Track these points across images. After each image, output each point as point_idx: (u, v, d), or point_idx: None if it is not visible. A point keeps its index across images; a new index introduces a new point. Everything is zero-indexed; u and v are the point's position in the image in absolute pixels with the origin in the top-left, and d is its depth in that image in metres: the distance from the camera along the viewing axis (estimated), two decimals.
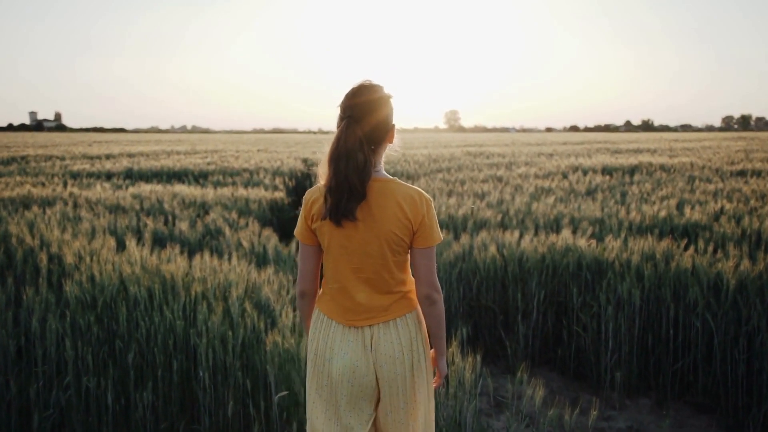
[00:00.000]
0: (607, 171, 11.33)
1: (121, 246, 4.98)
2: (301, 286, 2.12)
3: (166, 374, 3.36)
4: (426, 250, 2.00)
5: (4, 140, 39.79)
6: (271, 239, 5.63)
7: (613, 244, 4.93)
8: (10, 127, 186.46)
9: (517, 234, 5.33)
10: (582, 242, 5.00)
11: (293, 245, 5.43)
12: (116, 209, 6.86)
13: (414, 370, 2.04)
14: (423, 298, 2.05)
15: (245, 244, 5.49)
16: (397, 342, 2.01)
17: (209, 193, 8.08)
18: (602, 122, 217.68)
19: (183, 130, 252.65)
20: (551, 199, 7.54)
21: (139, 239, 5.19)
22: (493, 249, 5.12)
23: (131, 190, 8.28)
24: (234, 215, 6.67)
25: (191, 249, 5.64)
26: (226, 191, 8.31)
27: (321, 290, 2.12)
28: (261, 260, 5.33)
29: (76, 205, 7.05)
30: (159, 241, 5.77)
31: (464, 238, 5.39)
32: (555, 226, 6.37)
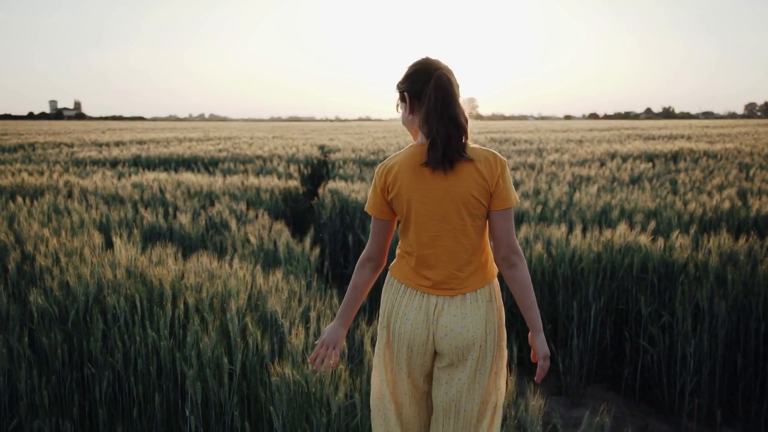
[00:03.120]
0: (647, 158, 10.48)
1: (109, 243, 4.32)
2: (369, 253, 2.07)
3: (147, 409, 2.68)
4: (504, 211, 1.94)
5: (20, 128, 39.48)
6: (282, 234, 4.93)
7: (681, 242, 4.18)
8: (30, 116, 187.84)
9: (564, 229, 4.57)
10: (644, 239, 4.24)
11: (307, 242, 4.73)
12: (113, 200, 6.20)
13: (475, 348, 1.94)
14: (501, 260, 1.97)
15: (253, 239, 4.79)
16: (461, 317, 1.94)
17: (217, 182, 7.39)
18: (622, 109, 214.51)
19: (201, 118, 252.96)
20: (594, 189, 6.76)
21: (131, 234, 4.51)
22: (538, 247, 4.38)
23: (133, 178, 7.62)
24: (242, 206, 5.98)
25: (192, 246, 4.96)
26: (235, 180, 7.62)
27: (396, 258, 2.06)
28: (270, 259, 4.64)
29: (70, 195, 6.41)
30: (157, 237, 5.11)
31: None
32: (604, 218, 5.61)
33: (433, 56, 1.99)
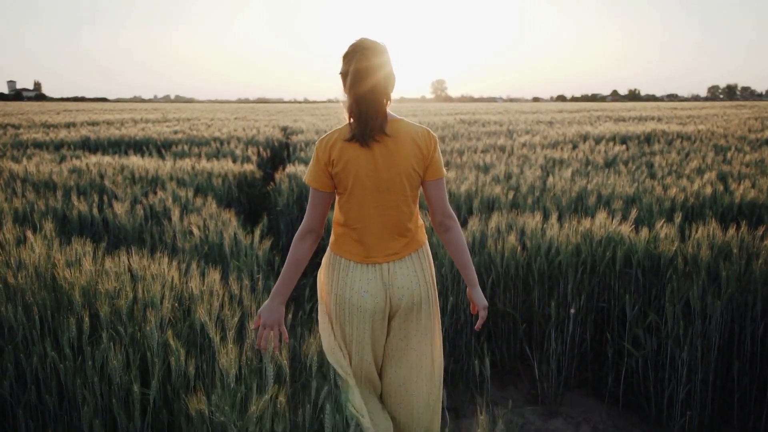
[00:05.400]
0: (620, 140, 10.16)
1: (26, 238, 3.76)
2: (309, 225, 2.11)
3: None
4: (438, 181, 2.11)
5: None
6: (229, 225, 4.42)
7: (666, 232, 3.80)
8: None
9: (539, 217, 4.16)
10: (626, 229, 3.85)
11: (257, 233, 4.24)
12: (45, 187, 5.61)
13: (424, 299, 2.15)
14: (438, 225, 2.18)
15: (196, 231, 4.27)
16: (413, 274, 2.11)
17: (165, 166, 6.81)
18: (589, 92, 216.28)
19: (166, 99, 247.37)
20: (568, 173, 6.38)
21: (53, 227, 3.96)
22: (512, 238, 3.96)
23: (74, 162, 6.99)
24: (189, 193, 5.44)
25: (127, 239, 4.43)
26: (186, 163, 7.04)
27: (333, 236, 2.17)
28: (216, 254, 4.14)
29: None
30: (87, 229, 4.56)
31: (473, 223, 4.20)
32: (581, 205, 5.23)
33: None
